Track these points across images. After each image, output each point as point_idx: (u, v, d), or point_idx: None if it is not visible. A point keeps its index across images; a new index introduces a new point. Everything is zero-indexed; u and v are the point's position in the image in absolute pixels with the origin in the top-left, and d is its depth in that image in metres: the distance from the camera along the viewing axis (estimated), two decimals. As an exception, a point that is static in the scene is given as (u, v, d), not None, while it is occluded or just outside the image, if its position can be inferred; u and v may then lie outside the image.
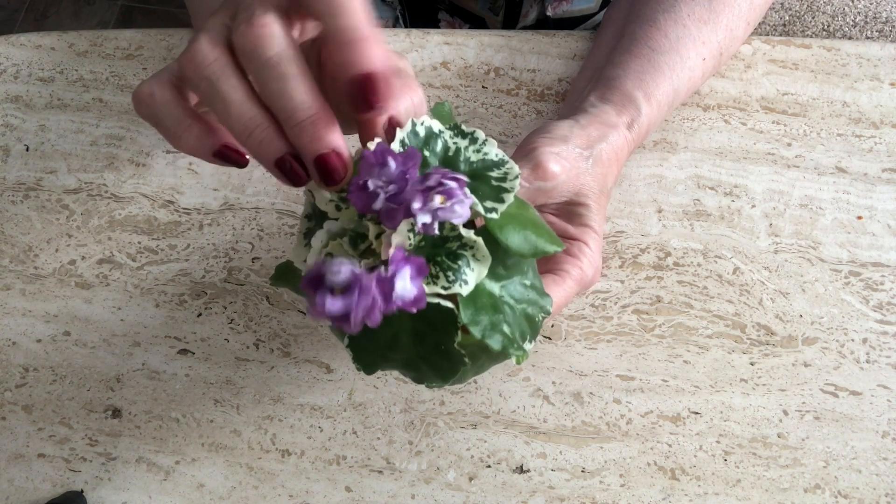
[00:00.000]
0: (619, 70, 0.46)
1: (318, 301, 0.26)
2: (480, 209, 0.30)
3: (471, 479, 0.44)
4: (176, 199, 0.51)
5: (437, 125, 0.32)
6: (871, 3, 1.47)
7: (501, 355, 0.32)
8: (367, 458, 0.45)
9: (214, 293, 0.49)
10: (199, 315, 0.48)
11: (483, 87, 0.53)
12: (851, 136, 0.50)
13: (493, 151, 0.32)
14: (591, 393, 0.45)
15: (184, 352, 0.48)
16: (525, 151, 0.40)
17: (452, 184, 0.27)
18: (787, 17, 1.47)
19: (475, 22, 0.69)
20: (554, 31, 0.54)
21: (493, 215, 0.31)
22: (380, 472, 0.45)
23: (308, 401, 0.46)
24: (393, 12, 0.70)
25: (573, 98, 0.49)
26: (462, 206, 0.28)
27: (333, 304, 0.25)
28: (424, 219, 0.27)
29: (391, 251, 0.28)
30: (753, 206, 0.49)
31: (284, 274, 0.36)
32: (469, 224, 0.31)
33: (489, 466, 0.44)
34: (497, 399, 0.46)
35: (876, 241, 0.48)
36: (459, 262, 0.30)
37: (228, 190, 0.51)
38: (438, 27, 0.71)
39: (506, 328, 0.32)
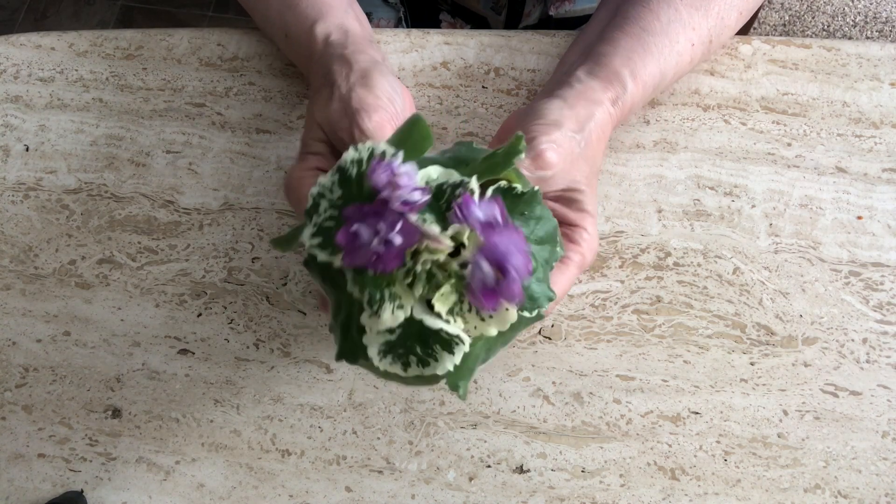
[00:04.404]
0: (609, 47, 0.46)
1: (505, 294, 0.26)
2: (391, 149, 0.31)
3: (471, 479, 0.44)
4: (176, 199, 0.51)
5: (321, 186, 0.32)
6: (871, 3, 1.47)
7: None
8: (367, 458, 0.45)
9: (214, 293, 0.49)
10: (199, 315, 0.48)
11: (483, 87, 0.53)
12: (851, 136, 0.50)
13: (349, 158, 0.32)
14: (591, 393, 0.45)
15: (184, 352, 0.48)
16: (527, 139, 0.40)
17: (380, 176, 0.28)
18: (787, 17, 1.47)
19: (477, 22, 0.69)
20: (554, 31, 0.54)
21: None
22: (380, 472, 0.45)
23: (308, 401, 0.46)
24: (395, 13, 0.70)
25: (561, 71, 0.49)
26: (399, 166, 0.28)
27: (515, 286, 0.26)
28: (414, 196, 0.27)
29: (438, 229, 0.27)
30: (753, 206, 0.49)
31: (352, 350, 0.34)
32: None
33: (489, 466, 0.44)
34: (497, 399, 0.46)
35: (876, 241, 0.48)
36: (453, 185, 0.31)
37: (228, 190, 0.51)
38: (440, 28, 0.71)
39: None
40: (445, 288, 0.29)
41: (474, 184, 0.30)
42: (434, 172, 0.31)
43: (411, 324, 0.30)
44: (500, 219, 0.27)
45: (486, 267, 0.26)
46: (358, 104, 0.41)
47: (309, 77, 0.48)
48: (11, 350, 0.48)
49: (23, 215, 0.51)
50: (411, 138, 0.33)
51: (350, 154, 0.31)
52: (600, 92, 0.44)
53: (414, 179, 0.28)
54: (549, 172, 0.40)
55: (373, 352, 0.31)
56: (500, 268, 0.26)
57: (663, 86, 0.48)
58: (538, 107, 0.43)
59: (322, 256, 0.31)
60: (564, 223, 0.42)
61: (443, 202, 0.30)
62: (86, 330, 0.48)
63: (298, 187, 0.41)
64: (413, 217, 0.28)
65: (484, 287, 0.26)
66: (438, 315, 0.29)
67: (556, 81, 0.47)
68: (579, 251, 0.41)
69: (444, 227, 0.29)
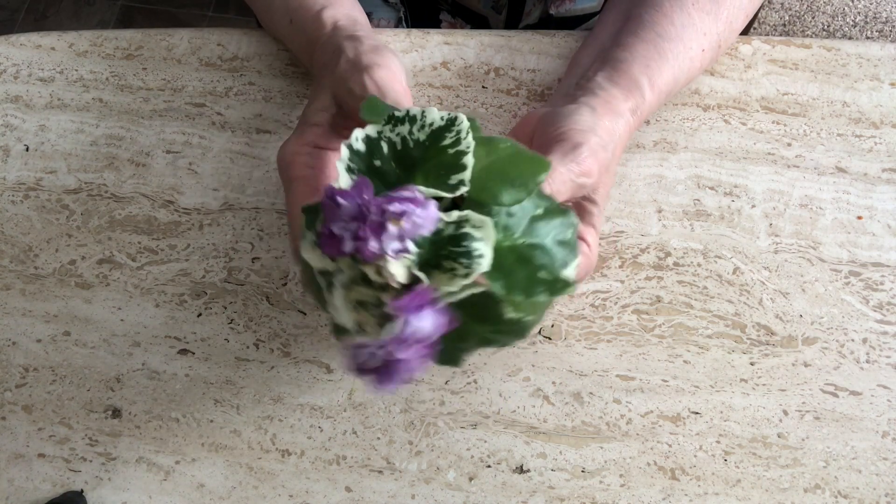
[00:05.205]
0: (627, 53, 0.46)
1: (376, 383, 0.28)
2: (445, 193, 0.29)
3: (471, 479, 0.44)
4: (176, 199, 0.51)
5: (372, 129, 0.31)
6: (871, 3, 1.47)
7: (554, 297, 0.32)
8: (367, 458, 0.45)
9: (214, 293, 0.49)
10: (199, 315, 0.48)
11: (483, 87, 0.53)
12: (851, 136, 0.50)
13: (436, 117, 0.31)
14: (591, 393, 0.45)
15: (184, 352, 0.48)
16: (571, 144, 0.40)
17: (396, 206, 0.27)
18: (787, 17, 1.47)
19: (477, 21, 0.69)
20: (554, 31, 0.54)
21: (464, 189, 0.30)
22: (380, 472, 0.45)
23: (308, 401, 0.46)
24: (395, 13, 0.70)
25: (575, 73, 0.49)
26: (423, 213, 0.28)
27: (388, 379, 0.28)
28: (394, 246, 0.27)
29: (396, 302, 0.28)
30: (753, 206, 0.49)
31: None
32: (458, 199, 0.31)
33: (489, 466, 0.44)
34: (497, 399, 0.46)
35: (876, 241, 0.48)
36: (464, 243, 0.29)
37: (228, 190, 0.51)
38: (440, 28, 0.71)
39: (544, 273, 0.31)
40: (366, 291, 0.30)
41: (472, 280, 0.29)
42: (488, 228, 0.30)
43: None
44: (427, 342, 0.28)
45: (376, 357, 0.28)
46: (369, 61, 0.41)
47: (312, 59, 0.48)
48: (11, 350, 0.48)
49: (23, 215, 0.51)
50: (516, 170, 0.31)
51: (435, 114, 0.31)
52: (622, 101, 0.44)
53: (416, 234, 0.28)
54: (591, 180, 0.39)
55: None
56: (387, 365, 0.28)
57: (674, 92, 0.48)
58: (567, 111, 0.42)
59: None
60: None
61: (444, 252, 0.29)
62: (86, 330, 0.48)
63: (292, 164, 0.40)
64: (379, 244, 0.28)
65: (363, 364, 0.28)
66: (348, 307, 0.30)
67: (573, 85, 0.47)
68: None
69: (429, 269, 0.29)
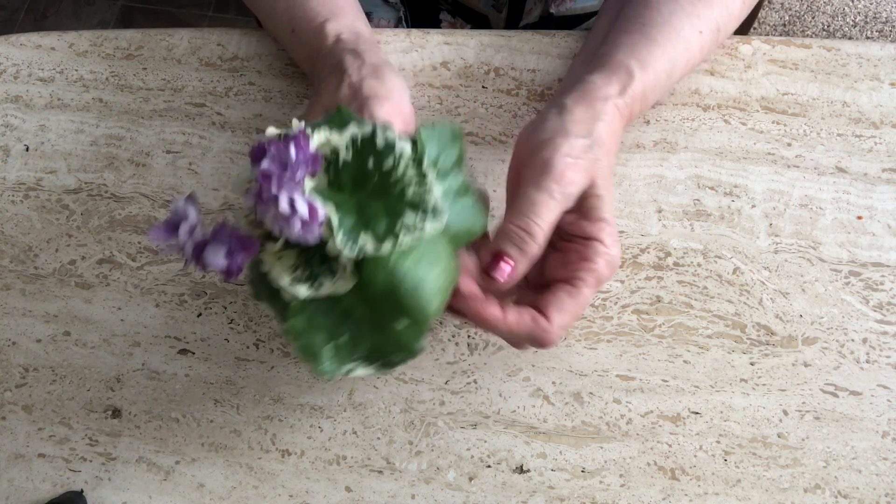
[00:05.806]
0: (610, 46, 0.46)
1: (160, 230, 0.30)
2: (343, 243, 0.30)
3: (471, 479, 0.44)
4: (176, 199, 0.51)
5: (404, 147, 0.32)
6: (871, 3, 1.47)
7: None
8: (367, 458, 0.45)
9: (214, 293, 0.49)
10: (199, 315, 0.48)
11: (483, 87, 0.53)
12: (851, 136, 0.50)
13: (432, 201, 0.32)
14: (591, 393, 0.45)
15: (184, 352, 0.48)
16: (540, 165, 0.39)
17: (286, 208, 0.29)
18: (787, 17, 1.47)
19: (477, 21, 0.69)
20: (554, 31, 0.54)
21: (358, 253, 0.30)
22: (380, 472, 0.45)
23: (308, 401, 0.46)
24: (395, 13, 0.70)
25: (568, 79, 0.50)
26: (302, 230, 0.29)
27: (159, 231, 0.30)
28: (264, 217, 0.30)
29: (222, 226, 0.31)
30: (753, 206, 0.49)
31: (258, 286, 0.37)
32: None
33: (489, 466, 0.44)
34: (497, 399, 0.46)
35: (876, 241, 0.48)
36: (322, 268, 0.31)
37: (228, 190, 0.51)
38: (440, 28, 0.71)
39: (322, 348, 0.33)
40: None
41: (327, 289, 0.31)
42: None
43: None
44: (206, 259, 0.30)
45: (177, 216, 0.30)
46: (369, 92, 0.41)
47: (314, 70, 0.48)
48: (11, 350, 0.48)
49: (23, 215, 0.51)
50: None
51: (435, 195, 0.31)
52: (604, 87, 0.42)
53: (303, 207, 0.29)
54: (573, 188, 0.38)
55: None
56: (174, 227, 0.30)
57: (677, 75, 0.47)
58: (534, 124, 0.42)
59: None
60: (581, 236, 0.39)
61: (303, 252, 0.31)
62: (86, 330, 0.48)
63: None
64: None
65: (172, 213, 0.30)
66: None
67: (560, 89, 0.47)
68: (592, 268, 0.38)
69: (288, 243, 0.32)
